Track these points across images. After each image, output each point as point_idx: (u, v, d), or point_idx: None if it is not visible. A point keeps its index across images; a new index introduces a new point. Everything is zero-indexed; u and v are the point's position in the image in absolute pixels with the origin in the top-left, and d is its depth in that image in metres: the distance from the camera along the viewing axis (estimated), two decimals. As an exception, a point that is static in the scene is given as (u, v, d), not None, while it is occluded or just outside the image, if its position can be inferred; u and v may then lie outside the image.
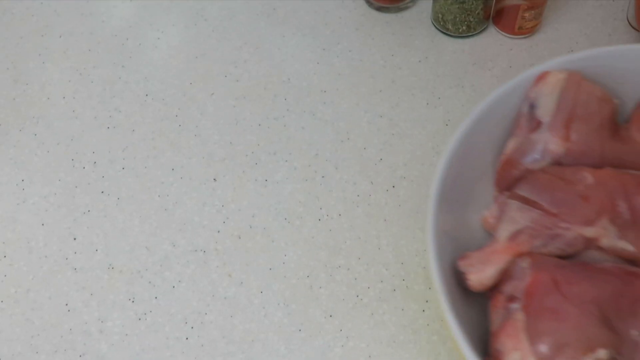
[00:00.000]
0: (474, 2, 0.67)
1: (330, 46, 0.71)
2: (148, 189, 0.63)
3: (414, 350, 0.55)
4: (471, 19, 0.69)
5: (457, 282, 0.50)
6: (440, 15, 0.70)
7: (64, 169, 0.64)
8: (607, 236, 0.49)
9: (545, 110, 0.54)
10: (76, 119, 0.67)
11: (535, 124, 0.55)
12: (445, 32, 0.71)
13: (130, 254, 0.60)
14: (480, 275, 0.50)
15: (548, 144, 0.54)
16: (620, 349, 0.46)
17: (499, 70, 0.69)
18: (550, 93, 0.55)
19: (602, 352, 0.44)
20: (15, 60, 0.71)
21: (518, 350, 0.45)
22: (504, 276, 0.50)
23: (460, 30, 0.70)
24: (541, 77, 0.55)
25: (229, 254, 0.60)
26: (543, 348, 0.45)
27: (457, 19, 0.69)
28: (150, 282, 0.59)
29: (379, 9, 0.73)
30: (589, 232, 0.49)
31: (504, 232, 0.51)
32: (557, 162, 0.54)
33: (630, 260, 0.50)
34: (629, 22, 0.71)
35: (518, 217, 0.50)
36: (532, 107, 0.55)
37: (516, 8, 0.67)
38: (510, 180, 0.54)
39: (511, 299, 0.48)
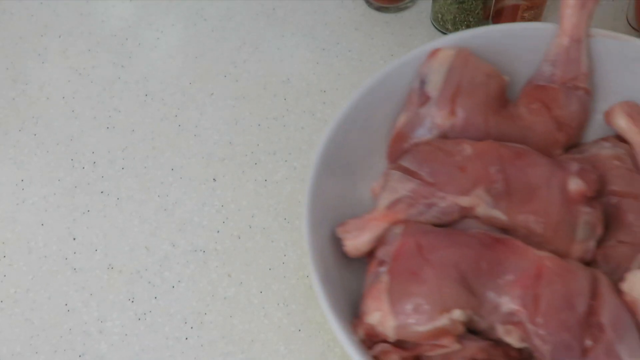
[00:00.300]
0: (473, 2, 0.67)
1: (329, 46, 0.71)
2: (147, 189, 0.63)
3: (413, 350, 0.55)
4: (471, 19, 0.69)
5: (339, 250, 0.52)
6: (439, 15, 0.70)
7: (64, 169, 0.64)
8: (482, 205, 0.51)
9: (434, 85, 0.56)
10: (75, 119, 0.67)
11: (425, 99, 0.56)
12: (445, 32, 0.71)
13: (130, 254, 0.60)
14: (355, 241, 0.51)
15: (435, 118, 0.55)
16: (479, 310, 0.47)
17: (498, 70, 0.69)
18: (439, 69, 0.56)
19: (457, 313, 0.46)
20: (14, 60, 0.71)
21: (379, 311, 0.47)
22: (380, 243, 0.51)
23: (459, 30, 0.70)
24: (433, 54, 0.57)
25: (228, 254, 0.60)
26: (401, 308, 0.46)
27: (457, 19, 0.69)
28: (149, 282, 0.59)
29: (379, 9, 0.73)
30: (464, 201, 0.51)
31: (383, 200, 0.52)
32: (444, 136, 0.55)
33: (504, 229, 0.51)
34: (629, 23, 0.71)
35: (398, 186, 0.52)
36: (423, 82, 0.56)
37: (516, 8, 0.67)
38: (400, 153, 0.55)
39: (381, 263, 0.49)
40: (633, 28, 0.70)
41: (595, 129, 0.60)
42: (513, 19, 0.68)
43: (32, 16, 0.74)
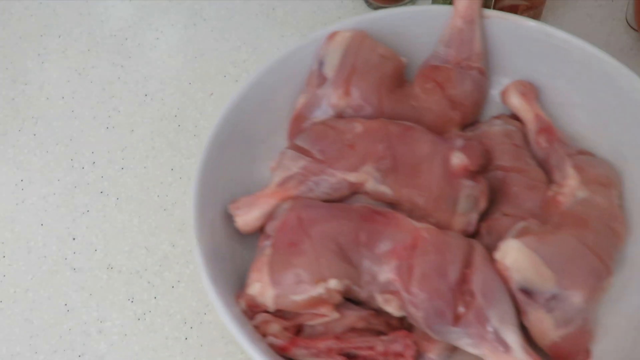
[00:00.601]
0: (473, 2, 0.67)
1: (329, 46, 0.71)
2: (147, 189, 0.63)
3: (413, 350, 0.55)
4: (470, 19, 0.69)
5: (233, 226, 0.54)
6: (439, 16, 0.70)
7: (63, 169, 0.64)
8: (370, 181, 0.52)
9: (330, 66, 0.57)
10: (75, 119, 0.67)
11: (322, 80, 0.57)
12: (444, 32, 0.71)
13: (130, 254, 0.60)
14: (245, 217, 0.53)
15: (330, 98, 0.56)
16: (357, 280, 0.49)
17: (497, 70, 0.69)
18: (336, 50, 0.58)
19: (333, 282, 0.48)
20: (14, 60, 0.71)
21: (259, 282, 0.49)
22: (269, 218, 0.53)
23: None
24: (330, 36, 0.58)
25: (228, 254, 0.60)
26: (279, 278, 0.48)
27: (456, 19, 0.69)
28: (149, 282, 0.59)
29: (378, 9, 0.73)
30: (353, 177, 0.52)
31: (276, 178, 0.54)
32: (340, 115, 0.57)
33: (391, 204, 0.53)
34: (628, 23, 0.71)
35: (290, 164, 0.53)
36: (321, 64, 0.58)
37: (515, 8, 0.67)
38: (299, 133, 0.57)
39: (268, 237, 0.51)
40: (632, 28, 0.70)
41: (494, 108, 0.62)
42: (512, 19, 0.68)
43: (31, 16, 0.74)
